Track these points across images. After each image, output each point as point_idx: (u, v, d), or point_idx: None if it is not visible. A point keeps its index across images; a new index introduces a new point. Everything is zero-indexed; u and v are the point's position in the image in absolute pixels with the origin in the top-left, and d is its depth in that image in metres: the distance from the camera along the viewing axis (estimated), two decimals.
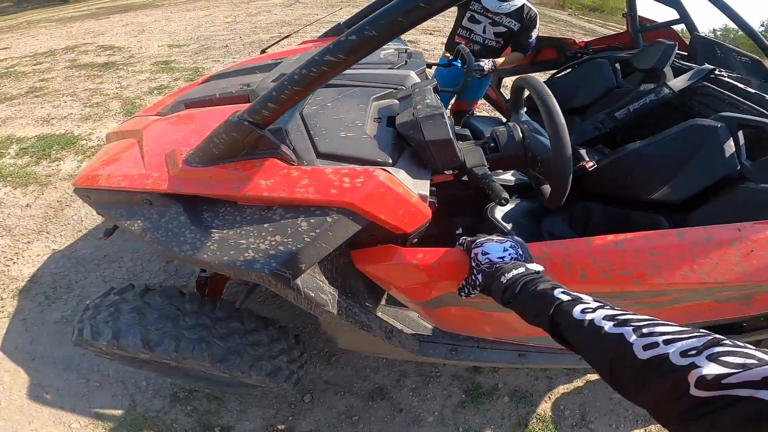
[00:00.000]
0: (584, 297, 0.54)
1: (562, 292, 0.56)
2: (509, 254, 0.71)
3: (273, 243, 0.74)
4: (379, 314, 1.08)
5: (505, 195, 0.84)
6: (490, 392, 1.62)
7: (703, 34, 2.11)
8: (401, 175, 0.83)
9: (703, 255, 0.78)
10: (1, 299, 1.87)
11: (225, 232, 0.77)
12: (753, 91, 1.55)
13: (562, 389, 1.66)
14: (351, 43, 0.61)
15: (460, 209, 1.54)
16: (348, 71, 1.19)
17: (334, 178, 0.76)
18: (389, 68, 1.21)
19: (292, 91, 0.68)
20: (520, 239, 0.77)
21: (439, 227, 1.58)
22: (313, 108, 1.00)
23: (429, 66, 2.02)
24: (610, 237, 0.83)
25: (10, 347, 1.66)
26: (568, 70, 2.20)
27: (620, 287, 0.82)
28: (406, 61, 1.29)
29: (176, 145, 0.92)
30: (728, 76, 1.70)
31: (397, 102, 1.04)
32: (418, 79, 1.14)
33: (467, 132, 1.12)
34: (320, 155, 0.84)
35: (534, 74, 2.60)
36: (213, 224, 0.80)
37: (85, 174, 1.03)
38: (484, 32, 2.06)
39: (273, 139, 0.78)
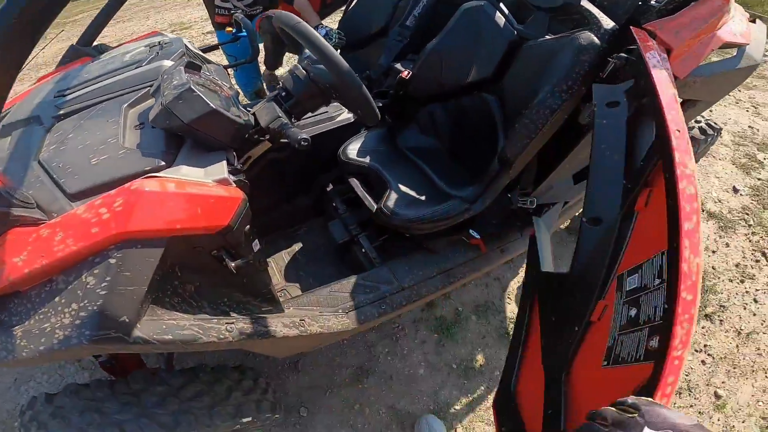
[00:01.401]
0: None
1: None
2: None
3: (74, 313, 0.64)
4: (289, 310, 1.04)
5: (304, 136, 0.80)
6: (455, 320, 1.68)
7: None
8: (183, 171, 0.74)
9: None
10: None
11: (26, 324, 0.66)
12: None
13: (514, 284, 1.79)
14: None
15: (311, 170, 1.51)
16: (89, 88, 1.01)
17: (90, 215, 0.65)
18: (136, 68, 1.04)
19: None
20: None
21: (304, 193, 1.54)
22: (53, 147, 0.82)
23: (214, 48, 1.83)
24: None
25: None
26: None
27: None
28: (157, 53, 1.11)
29: None
30: None
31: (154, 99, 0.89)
32: (188, 59, 0.99)
33: None
34: (73, 197, 0.70)
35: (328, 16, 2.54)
36: (12, 322, 0.67)
37: None
38: (241, 2, 1.94)
39: (3, 209, 0.62)
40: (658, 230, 0.63)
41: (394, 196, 1.20)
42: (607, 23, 1.01)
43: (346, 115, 1.49)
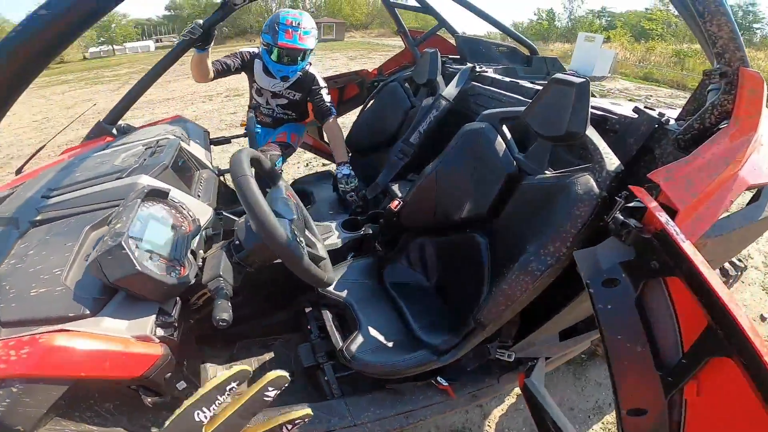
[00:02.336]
0: None
1: None
2: None
3: None
4: None
5: (224, 317, 0.76)
6: None
7: (463, 34, 2.28)
8: (104, 324, 0.73)
9: None
10: None
11: None
12: (508, 80, 1.67)
13: (497, 413, 1.63)
14: None
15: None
16: (68, 195, 1.02)
17: (2, 353, 0.66)
18: (116, 178, 1.05)
19: None
20: None
21: (284, 309, 1.48)
22: (12, 263, 0.82)
23: (225, 141, 1.94)
24: None
25: None
26: (371, 102, 2.21)
27: None
28: (144, 160, 1.14)
29: None
30: (492, 71, 1.82)
31: None
32: (147, 183, 1.00)
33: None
34: (4, 324, 0.70)
35: (346, 114, 2.67)
36: None
37: None
38: (268, 104, 2.05)
39: None
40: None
41: (359, 339, 1.13)
42: (612, 163, 0.87)
43: (334, 240, 1.47)
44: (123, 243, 0.72)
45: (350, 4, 27.90)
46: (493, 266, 1.10)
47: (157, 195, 0.92)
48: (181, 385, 0.85)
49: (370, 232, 1.50)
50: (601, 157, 0.89)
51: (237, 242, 0.89)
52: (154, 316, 0.77)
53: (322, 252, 1.04)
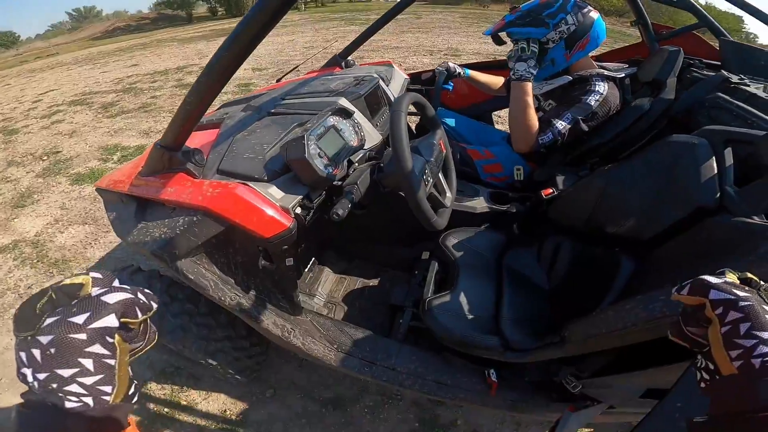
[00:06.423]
0: None
1: None
2: None
3: (161, 232, 0.96)
4: (301, 318, 1.19)
5: (339, 212, 0.90)
6: (447, 426, 1.55)
7: (732, 39, 1.74)
8: (270, 189, 0.95)
9: None
10: (73, 274, 2.40)
11: (147, 223, 1.00)
12: None
13: None
14: (218, 60, 0.71)
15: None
16: (294, 100, 1.37)
17: (207, 189, 0.94)
18: (327, 95, 1.32)
19: (186, 112, 0.83)
20: None
21: (409, 246, 1.62)
22: (245, 134, 1.17)
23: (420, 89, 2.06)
24: None
25: None
26: None
27: None
28: (349, 87, 1.36)
29: None
30: (752, 86, 1.38)
31: None
32: (341, 103, 1.22)
33: None
34: (220, 171, 1.02)
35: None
36: (146, 218, 1.04)
37: (103, 178, 1.33)
38: None
39: (181, 159, 0.97)
40: None
41: (445, 299, 1.16)
42: None
43: (475, 204, 1.48)
44: (305, 137, 0.94)
45: None
46: (623, 295, 0.93)
47: (343, 113, 1.15)
48: (289, 261, 1.05)
49: (513, 211, 1.44)
50: None
51: (381, 165, 1.04)
52: (300, 197, 0.97)
53: (447, 201, 1.09)
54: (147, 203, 1.06)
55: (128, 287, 0.37)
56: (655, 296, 0.72)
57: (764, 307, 0.35)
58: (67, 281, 0.35)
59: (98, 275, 0.37)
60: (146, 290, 0.39)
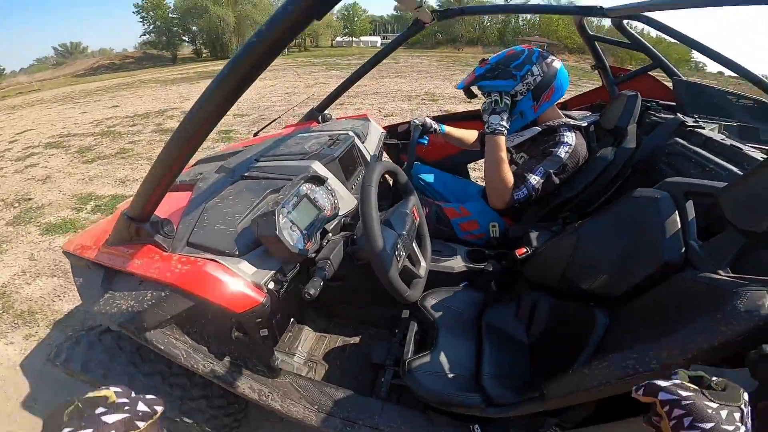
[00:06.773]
0: None
1: None
2: None
3: (128, 305, 0.95)
4: (280, 380, 1.16)
5: (311, 291, 0.89)
6: None
7: (685, 78, 1.81)
8: (241, 265, 0.94)
9: None
10: (38, 327, 2.26)
11: (114, 293, 0.99)
12: (729, 143, 1.29)
13: None
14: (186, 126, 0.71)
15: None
16: (268, 162, 1.38)
17: (175, 264, 0.93)
18: (300, 159, 1.32)
19: (154, 181, 0.83)
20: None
21: (386, 306, 1.60)
22: (217, 201, 1.17)
23: (401, 144, 2.12)
24: None
25: (27, 365, 1.97)
26: None
27: None
28: (323, 148, 1.38)
29: None
30: (717, 129, 1.46)
31: None
32: (314, 168, 1.24)
33: None
34: (189, 244, 1.01)
35: None
36: (113, 287, 1.03)
37: (71, 240, 1.29)
38: None
39: (149, 231, 0.96)
40: None
41: (425, 359, 1.15)
42: None
43: (453, 264, 1.49)
44: (275, 211, 0.93)
45: (566, 27, 25.63)
46: (599, 349, 0.93)
47: (316, 180, 1.14)
48: (264, 332, 1.02)
49: (491, 269, 1.46)
50: None
51: (354, 237, 1.05)
52: (273, 272, 0.96)
53: (422, 271, 1.09)
54: (115, 272, 1.04)
55: (128, 400, 0.41)
56: (627, 355, 0.73)
57: (705, 403, 0.42)
58: (91, 394, 0.40)
59: (119, 389, 0.41)
60: (148, 396, 0.42)
